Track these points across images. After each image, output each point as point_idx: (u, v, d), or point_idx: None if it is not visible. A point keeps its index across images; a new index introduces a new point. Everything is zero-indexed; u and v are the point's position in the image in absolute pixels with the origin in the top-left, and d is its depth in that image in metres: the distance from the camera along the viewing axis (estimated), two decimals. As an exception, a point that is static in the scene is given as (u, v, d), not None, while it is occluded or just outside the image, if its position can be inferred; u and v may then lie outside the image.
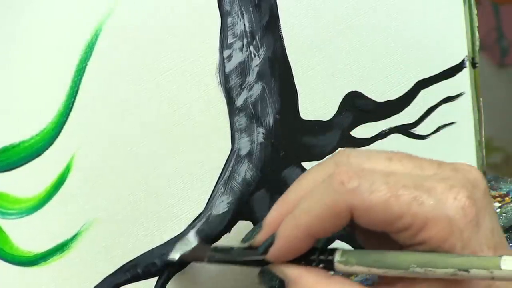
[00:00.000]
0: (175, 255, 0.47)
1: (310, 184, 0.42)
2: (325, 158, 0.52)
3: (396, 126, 0.55)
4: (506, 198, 0.62)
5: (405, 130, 0.56)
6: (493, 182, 0.65)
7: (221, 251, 0.46)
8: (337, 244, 0.54)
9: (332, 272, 0.41)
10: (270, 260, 0.42)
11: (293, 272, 0.41)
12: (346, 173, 0.39)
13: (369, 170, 0.40)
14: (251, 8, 0.47)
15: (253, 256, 0.43)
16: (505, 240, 0.41)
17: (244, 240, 0.44)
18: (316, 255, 0.41)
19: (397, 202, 0.38)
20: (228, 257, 0.45)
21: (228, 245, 0.47)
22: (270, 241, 0.41)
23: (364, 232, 0.42)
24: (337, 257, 0.41)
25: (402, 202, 0.38)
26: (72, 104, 0.42)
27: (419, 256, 0.39)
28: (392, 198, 0.38)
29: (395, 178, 0.39)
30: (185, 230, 0.48)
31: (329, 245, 0.43)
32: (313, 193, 0.40)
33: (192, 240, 0.48)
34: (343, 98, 0.53)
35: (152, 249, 0.47)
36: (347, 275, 0.41)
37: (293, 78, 0.50)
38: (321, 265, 0.41)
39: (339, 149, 0.42)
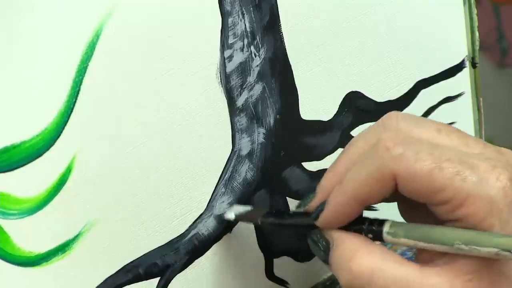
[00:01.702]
0: (230, 215, 0.48)
1: (359, 150, 0.42)
2: (331, 155, 0.52)
3: (396, 126, 0.55)
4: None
5: (405, 130, 0.56)
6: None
7: (274, 215, 0.46)
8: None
9: (378, 243, 0.42)
10: (321, 225, 0.42)
11: (339, 235, 0.42)
12: (392, 139, 0.39)
13: (416, 138, 0.40)
14: (251, 8, 0.47)
15: (305, 221, 0.44)
16: None
17: (298, 206, 0.45)
18: (365, 224, 0.42)
19: (440, 174, 0.39)
20: (280, 220, 0.46)
21: (281, 209, 0.49)
22: (321, 208, 0.42)
23: (407, 204, 0.42)
24: (386, 228, 0.41)
25: (445, 174, 0.39)
26: (74, 104, 0.42)
27: (464, 233, 0.39)
28: (436, 169, 0.39)
29: (441, 151, 0.39)
30: (186, 230, 0.48)
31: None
32: (360, 159, 0.41)
33: (198, 237, 0.49)
34: (343, 98, 0.53)
35: (154, 249, 0.47)
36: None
37: (294, 78, 0.50)
38: (369, 235, 0.42)
39: (389, 112, 0.42)
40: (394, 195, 0.41)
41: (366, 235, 0.42)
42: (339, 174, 0.42)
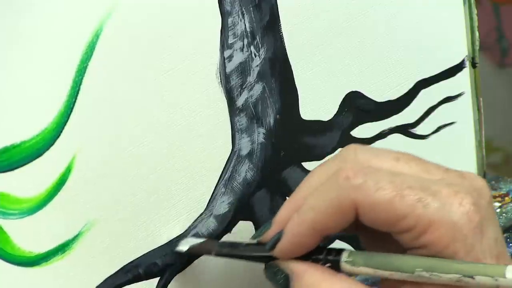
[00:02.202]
0: (184, 247, 0.47)
1: (317, 181, 0.42)
2: (331, 155, 0.52)
3: (396, 126, 0.55)
4: (506, 198, 0.63)
5: (405, 130, 0.56)
6: (493, 182, 0.65)
7: (229, 246, 0.46)
8: (337, 244, 0.54)
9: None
10: (277, 256, 0.42)
11: (298, 267, 0.41)
12: (352, 169, 0.39)
13: (376, 168, 0.40)
14: (251, 8, 0.47)
15: (260, 252, 0.43)
16: (506, 251, 0.41)
17: (253, 237, 0.44)
18: (323, 254, 0.41)
19: (402, 202, 0.38)
20: (235, 251, 0.45)
21: (236, 240, 0.47)
22: (277, 237, 0.42)
23: (368, 234, 0.42)
24: (344, 257, 0.41)
25: (407, 202, 0.38)
26: (73, 104, 0.42)
27: (425, 261, 0.39)
28: (397, 197, 0.38)
29: (401, 178, 0.39)
30: (186, 230, 0.48)
31: (329, 244, 0.43)
32: (319, 189, 0.41)
33: (199, 237, 0.48)
34: (343, 98, 0.53)
35: (153, 249, 0.47)
36: (350, 275, 0.41)
37: (294, 78, 0.50)
38: (327, 265, 0.41)
39: (348, 145, 0.42)
40: (355, 226, 0.40)
41: (323, 265, 0.41)
42: (297, 204, 0.42)
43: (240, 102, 0.48)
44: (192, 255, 0.48)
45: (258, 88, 0.49)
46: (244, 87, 0.48)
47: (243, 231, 0.50)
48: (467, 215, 0.38)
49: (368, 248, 0.43)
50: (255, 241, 0.44)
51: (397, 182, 0.39)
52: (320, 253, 0.41)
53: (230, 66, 0.47)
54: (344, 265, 0.41)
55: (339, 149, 0.42)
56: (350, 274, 0.41)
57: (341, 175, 0.39)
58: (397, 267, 0.39)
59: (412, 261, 0.39)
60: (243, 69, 0.48)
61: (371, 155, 0.41)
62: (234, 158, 0.49)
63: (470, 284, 0.38)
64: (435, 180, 0.40)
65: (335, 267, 0.41)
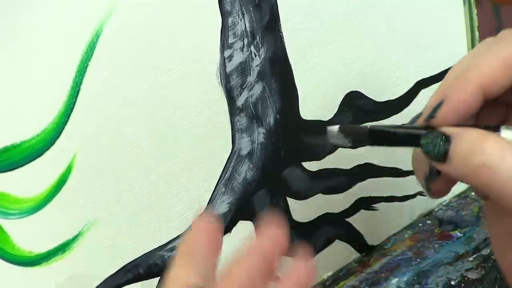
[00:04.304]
0: (334, 127, 0.42)
1: (465, 61, 0.40)
2: (331, 155, 0.52)
3: (396, 126, 0.55)
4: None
5: (405, 130, 0.56)
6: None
7: (382, 127, 0.42)
8: (338, 244, 0.54)
9: None
10: (438, 123, 0.40)
11: (459, 129, 0.39)
12: None
13: None
14: (251, 8, 0.47)
15: (416, 129, 0.40)
16: None
17: (411, 121, 0.43)
18: (480, 127, 0.39)
19: None
20: (390, 128, 0.41)
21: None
22: (438, 105, 0.40)
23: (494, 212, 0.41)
24: (503, 127, 0.39)
25: None
26: (73, 104, 0.42)
27: None
28: None
29: None
30: (186, 230, 0.48)
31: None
32: (481, 49, 0.39)
33: None
34: (343, 98, 0.53)
35: (154, 249, 0.47)
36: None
37: (294, 78, 0.50)
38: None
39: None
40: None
41: None
42: (459, 72, 0.40)
43: (240, 102, 0.48)
44: (343, 137, 0.42)
45: (258, 88, 0.49)
46: (244, 87, 0.48)
47: (243, 231, 0.50)
48: None
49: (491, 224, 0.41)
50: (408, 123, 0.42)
51: None
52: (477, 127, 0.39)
53: (230, 66, 0.47)
54: (504, 131, 0.39)
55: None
56: None
57: (506, 33, 0.39)
58: None
59: None
60: (243, 68, 0.48)
61: None
62: (234, 158, 0.49)
63: None
64: None
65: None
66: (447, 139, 0.39)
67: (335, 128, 0.41)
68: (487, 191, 0.37)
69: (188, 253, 0.36)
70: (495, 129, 0.39)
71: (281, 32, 0.49)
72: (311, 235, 0.53)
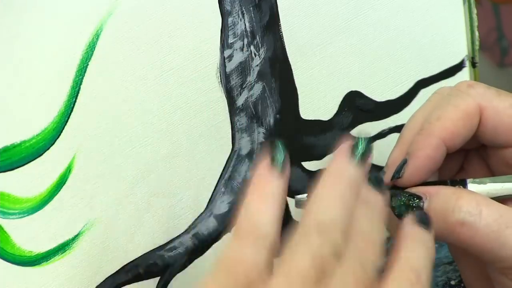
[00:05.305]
0: (302, 196, 0.43)
1: (422, 115, 0.41)
2: (331, 155, 0.52)
3: (396, 126, 0.55)
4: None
5: (405, 130, 0.56)
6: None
7: None
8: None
9: None
10: (405, 183, 0.40)
11: (430, 188, 0.40)
12: (469, 82, 0.40)
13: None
14: (251, 8, 0.47)
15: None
16: None
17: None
18: (447, 183, 0.40)
19: None
20: None
21: None
22: (402, 163, 0.40)
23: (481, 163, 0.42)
24: (469, 180, 0.40)
25: None
26: (73, 104, 0.42)
27: None
28: None
29: None
30: (186, 230, 0.48)
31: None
32: (440, 103, 0.40)
33: (198, 237, 0.47)
34: (343, 98, 0.53)
35: (154, 249, 0.47)
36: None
37: (294, 78, 0.50)
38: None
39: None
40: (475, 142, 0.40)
41: None
42: (408, 144, 0.41)
43: (240, 101, 0.48)
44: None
45: (258, 88, 0.49)
46: (244, 86, 0.48)
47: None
48: None
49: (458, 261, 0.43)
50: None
51: None
52: (444, 184, 0.40)
53: (230, 66, 0.47)
54: (471, 185, 0.40)
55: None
56: None
57: (462, 85, 0.40)
58: None
59: None
60: (243, 68, 0.48)
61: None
62: (234, 158, 0.49)
63: None
64: None
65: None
66: (419, 199, 0.39)
67: (303, 196, 0.42)
68: (467, 247, 0.38)
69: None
70: (462, 183, 0.40)
71: (281, 32, 0.49)
72: (311, 235, 0.53)
